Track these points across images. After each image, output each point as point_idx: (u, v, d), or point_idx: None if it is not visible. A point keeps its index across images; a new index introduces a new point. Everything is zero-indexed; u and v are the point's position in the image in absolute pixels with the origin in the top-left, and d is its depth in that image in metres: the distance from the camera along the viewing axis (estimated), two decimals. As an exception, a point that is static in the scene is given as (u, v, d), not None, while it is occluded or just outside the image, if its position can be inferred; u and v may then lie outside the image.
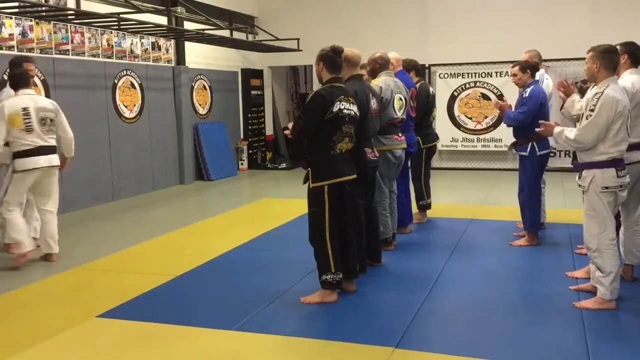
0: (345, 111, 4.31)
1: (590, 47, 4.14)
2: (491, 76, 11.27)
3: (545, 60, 10.79)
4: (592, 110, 3.96)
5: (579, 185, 4.16)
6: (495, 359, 3.40)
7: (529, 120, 5.50)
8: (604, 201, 4.02)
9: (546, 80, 6.20)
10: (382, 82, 5.49)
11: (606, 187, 4.00)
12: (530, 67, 5.72)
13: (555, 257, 5.37)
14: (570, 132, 4.10)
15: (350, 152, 4.44)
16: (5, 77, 7.01)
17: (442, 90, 11.63)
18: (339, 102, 4.28)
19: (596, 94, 3.99)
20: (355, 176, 4.44)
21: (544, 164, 5.83)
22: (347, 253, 4.50)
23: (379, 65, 5.68)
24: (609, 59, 4.03)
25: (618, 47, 4.31)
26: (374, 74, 5.70)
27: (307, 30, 11.84)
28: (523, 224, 5.98)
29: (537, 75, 6.14)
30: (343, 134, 4.31)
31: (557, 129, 4.23)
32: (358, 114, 4.47)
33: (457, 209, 7.63)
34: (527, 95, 5.59)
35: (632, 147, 4.28)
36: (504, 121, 5.89)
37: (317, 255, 4.42)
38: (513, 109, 5.80)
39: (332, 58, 4.39)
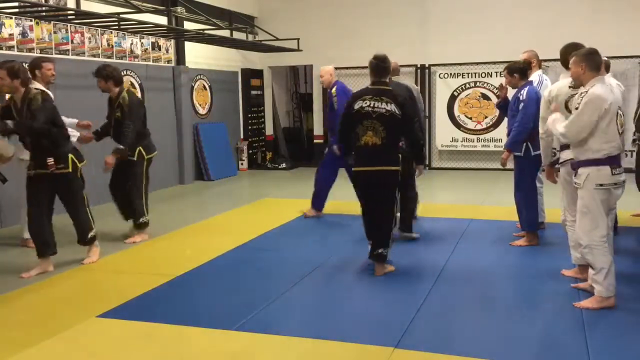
0: (367, 108, 4.86)
1: (572, 53, 4.28)
2: (491, 76, 11.27)
3: (545, 60, 10.78)
4: (577, 109, 4.08)
5: (575, 183, 4.20)
6: (495, 359, 3.40)
7: (530, 124, 5.49)
8: (597, 199, 4.06)
9: (545, 82, 6.20)
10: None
11: (600, 185, 4.05)
12: (517, 70, 5.72)
13: (555, 257, 5.37)
14: (560, 125, 4.19)
15: (384, 146, 4.87)
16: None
17: (442, 90, 11.63)
18: (361, 101, 4.90)
19: (582, 92, 4.09)
20: (380, 168, 4.89)
21: (539, 163, 5.83)
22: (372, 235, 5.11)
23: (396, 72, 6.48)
24: (592, 60, 4.12)
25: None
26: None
27: (307, 30, 11.84)
28: (520, 225, 5.98)
29: (536, 77, 6.14)
30: (364, 128, 4.87)
31: (552, 116, 4.33)
32: (394, 111, 4.85)
33: (457, 209, 7.63)
34: (524, 98, 5.58)
35: (565, 147, 4.47)
36: (512, 146, 5.70)
37: None
38: (509, 110, 5.82)
39: (374, 64, 4.98)
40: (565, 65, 4.56)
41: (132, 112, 6.00)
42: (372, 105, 4.86)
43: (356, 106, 4.90)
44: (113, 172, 6.22)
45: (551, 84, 6.24)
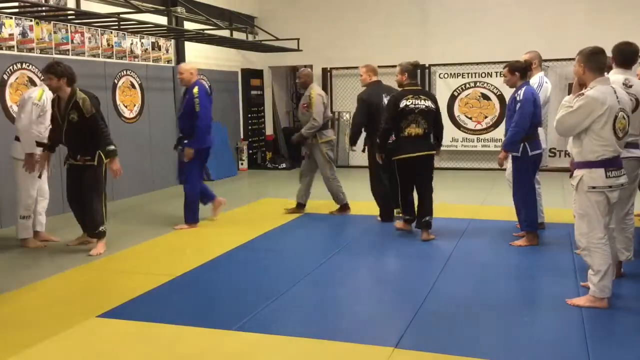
0: (410, 106, 5.92)
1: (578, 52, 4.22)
2: (491, 76, 11.27)
3: (545, 60, 10.76)
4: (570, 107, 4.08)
5: (571, 185, 4.21)
6: (495, 359, 3.41)
7: (527, 124, 5.53)
8: (592, 201, 4.06)
9: (545, 84, 6.21)
10: (315, 90, 7.25)
11: (593, 187, 4.04)
12: (519, 68, 5.71)
13: (554, 257, 5.37)
14: (558, 113, 4.17)
15: (426, 135, 6.02)
16: (6, 78, 7.04)
17: (442, 90, 11.63)
18: (405, 100, 5.94)
19: (579, 94, 4.07)
20: (426, 152, 6.01)
21: (537, 164, 5.84)
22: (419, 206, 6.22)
23: (310, 79, 7.39)
24: (594, 61, 4.10)
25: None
26: (306, 85, 7.32)
27: (307, 30, 11.84)
28: (520, 225, 5.98)
29: (537, 78, 6.15)
30: (408, 122, 5.94)
31: (565, 98, 4.32)
32: (430, 106, 6.02)
33: (457, 209, 7.63)
34: (520, 98, 5.58)
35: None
36: (509, 147, 5.71)
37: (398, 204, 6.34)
38: (506, 110, 5.84)
39: (413, 70, 6.13)
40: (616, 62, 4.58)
41: (99, 112, 5.69)
42: (414, 103, 5.94)
43: (401, 105, 5.93)
44: (71, 181, 5.88)
45: (551, 85, 6.27)
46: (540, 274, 5.08)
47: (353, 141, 7.07)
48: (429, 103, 6.01)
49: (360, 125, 6.89)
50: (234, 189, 10.23)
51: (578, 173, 4.11)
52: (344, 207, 7.40)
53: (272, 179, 11.13)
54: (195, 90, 6.63)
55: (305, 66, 13.39)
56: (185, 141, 6.75)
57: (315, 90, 7.28)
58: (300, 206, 7.50)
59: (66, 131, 5.67)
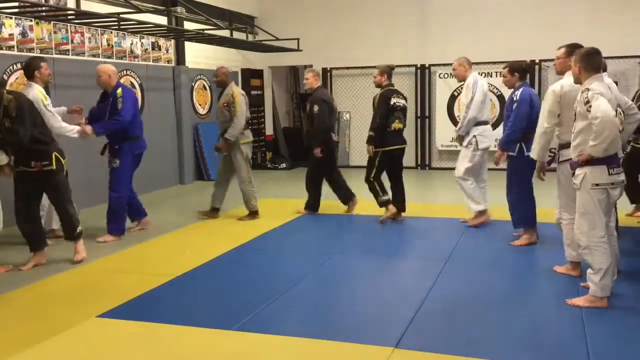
0: (397, 103, 6.75)
1: (575, 52, 4.25)
2: (491, 76, 11.25)
3: (545, 61, 10.81)
4: (587, 103, 3.93)
5: (573, 184, 4.21)
6: (495, 359, 3.41)
7: (523, 123, 5.56)
8: (595, 199, 4.06)
9: (480, 81, 6.46)
10: (236, 89, 7.25)
11: (597, 184, 4.04)
12: (519, 69, 5.79)
13: (554, 257, 5.36)
14: (591, 141, 3.94)
15: (403, 130, 6.87)
16: (6, 77, 7.04)
17: (442, 90, 11.62)
18: (393, 98, 6.73)
19: (583, 91, 4.05)
20: (404, 146, 6.93)
21: (533, 163, 5.85)
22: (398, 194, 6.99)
23: (228, 78, 7.31)
24: (588, 61, 4.11)
25: (564, 48, 4.69)
26: (224, 84, 7.24)
27: (307, 30, 11.84)
28: (513, 224, 5.98)
29: (470, 79, 6.28)
30: (394, 118, 6.71)
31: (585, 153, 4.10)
32: (405, 103, 6.92)
33: (457, 209, 7.63)
34: (517, 98, 5.65)
35: (565, 146, 4.51)
36: (505, 145, 5.83)
37: (371, 190, 6.88)
38: (505, 111, 5.90)
39: (390, 72, 6.91)
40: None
41: (25, 113, 5.03)
42: (397, 101, 6.74)
43: (391, 102, 6.68)
44: (24, 191, 5.34)
45: (486, 86, 6.46)
46: (540, 273, 5.08)
47: (319, 142, 7.22)
48: (404, 100, 6.91)
49: (327, 124, 7.28)
50: (234, 188, 10.21)
51: (581, 171, 4.11)
52: (254, 214, 7.28)
53: (272, 179, 11.12)
54: (119, 91, 6.28)
55: (305, 66, 13.45)
56: (117, 146, 6.36)
57: (237, 90, 7.23)
58: (215, 210, 7.40)
59: (2, 139, 5.08)
